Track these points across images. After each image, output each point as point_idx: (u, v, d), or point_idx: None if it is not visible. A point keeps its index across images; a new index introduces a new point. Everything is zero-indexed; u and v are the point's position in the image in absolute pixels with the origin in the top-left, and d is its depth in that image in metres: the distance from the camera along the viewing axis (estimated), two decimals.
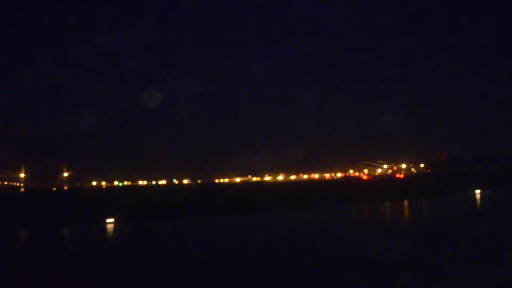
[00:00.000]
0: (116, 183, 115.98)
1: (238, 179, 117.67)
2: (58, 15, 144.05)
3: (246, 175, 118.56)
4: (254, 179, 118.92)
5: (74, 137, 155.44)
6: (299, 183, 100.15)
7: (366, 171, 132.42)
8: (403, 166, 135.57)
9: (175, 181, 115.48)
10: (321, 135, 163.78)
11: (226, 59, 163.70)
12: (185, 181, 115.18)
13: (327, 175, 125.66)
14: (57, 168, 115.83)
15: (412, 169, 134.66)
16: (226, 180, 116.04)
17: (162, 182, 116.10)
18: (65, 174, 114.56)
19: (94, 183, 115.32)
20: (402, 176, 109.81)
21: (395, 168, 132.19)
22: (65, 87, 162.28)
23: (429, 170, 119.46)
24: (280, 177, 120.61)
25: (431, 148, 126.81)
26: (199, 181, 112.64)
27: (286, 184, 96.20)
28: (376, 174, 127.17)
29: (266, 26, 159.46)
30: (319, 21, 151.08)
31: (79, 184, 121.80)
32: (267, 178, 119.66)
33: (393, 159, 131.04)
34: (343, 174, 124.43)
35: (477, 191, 36.46)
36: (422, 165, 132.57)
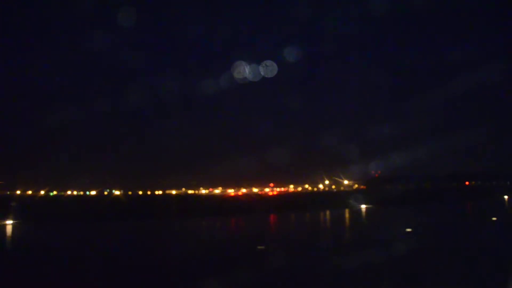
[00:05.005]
0: (42, 192, 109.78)
1: (173, 192, 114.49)
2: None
3: (180, 188, 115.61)
4: (190, 191, 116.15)
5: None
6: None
7: (307, 186, 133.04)
8: (346, 182, 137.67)
9: (105, 192, 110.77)
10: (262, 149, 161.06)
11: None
12: (117, 192, 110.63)
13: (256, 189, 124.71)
14: None
15: (355, 185, 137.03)
16: (160, 192, 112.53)
17: (92, 192, 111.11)
18: None
19: (18, 192, 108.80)
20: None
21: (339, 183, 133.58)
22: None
23: (364, 187, 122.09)
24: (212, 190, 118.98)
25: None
26: (129, 193, 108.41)
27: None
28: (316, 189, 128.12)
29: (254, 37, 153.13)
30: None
31: (8, 192, 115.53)
32: (203, 191, 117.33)
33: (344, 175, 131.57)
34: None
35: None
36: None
